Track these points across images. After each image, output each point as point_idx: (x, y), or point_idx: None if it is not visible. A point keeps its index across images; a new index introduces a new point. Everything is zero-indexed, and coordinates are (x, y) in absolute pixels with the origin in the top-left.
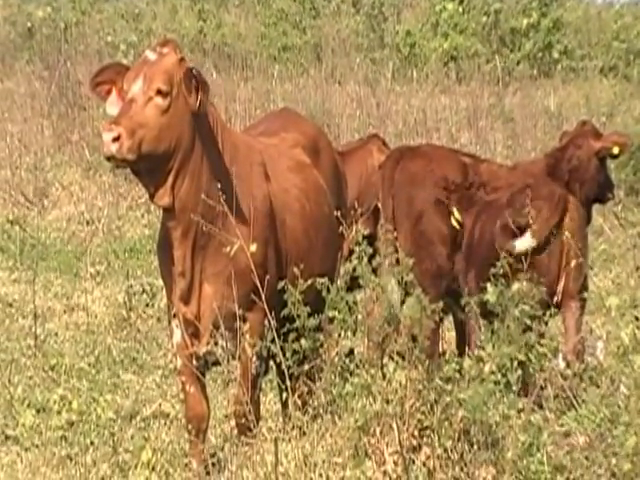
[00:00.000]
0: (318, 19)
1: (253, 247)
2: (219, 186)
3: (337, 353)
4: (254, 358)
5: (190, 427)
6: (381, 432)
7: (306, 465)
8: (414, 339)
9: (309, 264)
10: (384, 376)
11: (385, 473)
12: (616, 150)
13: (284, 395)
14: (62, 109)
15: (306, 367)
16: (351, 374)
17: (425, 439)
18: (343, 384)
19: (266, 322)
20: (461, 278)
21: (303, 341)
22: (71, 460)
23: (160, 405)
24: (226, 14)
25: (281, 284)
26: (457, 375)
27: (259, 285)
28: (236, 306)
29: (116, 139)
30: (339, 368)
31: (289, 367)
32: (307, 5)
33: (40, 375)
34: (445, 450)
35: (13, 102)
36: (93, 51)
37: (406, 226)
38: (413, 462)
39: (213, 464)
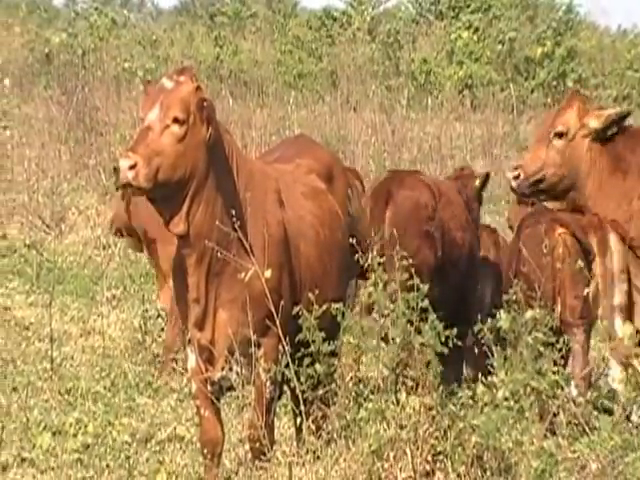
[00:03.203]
0: (334, 46)
1: (268, 273)
2: (233, 213)
3: (351, 378)
4: (268, 383)
5: (205, 451)
6: (395, 457)
7: None
8: (428, 365)
9: (323, 290)
10: (398, 402)
11: None
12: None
13: (298, 420)
14: (79, 134)
15: (320, 392)
16: (365, 399)
17: (438, 464)
18: (357, 409)
19: (280, 347)
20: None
21: (317, 366)
22: None
23: (175, 429)
24: (242, 41)
25: (296, 309)
26: (470, 401)
27: (273, 311)
28: (251, 332)
29: (132, 167)
30: (353, 393)
31: (303, 392)
32: (323, 32)
33: (56, 398)
34: (458, 475)
35: (31, 127)
36: (110, 77)
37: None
38: None
39: None
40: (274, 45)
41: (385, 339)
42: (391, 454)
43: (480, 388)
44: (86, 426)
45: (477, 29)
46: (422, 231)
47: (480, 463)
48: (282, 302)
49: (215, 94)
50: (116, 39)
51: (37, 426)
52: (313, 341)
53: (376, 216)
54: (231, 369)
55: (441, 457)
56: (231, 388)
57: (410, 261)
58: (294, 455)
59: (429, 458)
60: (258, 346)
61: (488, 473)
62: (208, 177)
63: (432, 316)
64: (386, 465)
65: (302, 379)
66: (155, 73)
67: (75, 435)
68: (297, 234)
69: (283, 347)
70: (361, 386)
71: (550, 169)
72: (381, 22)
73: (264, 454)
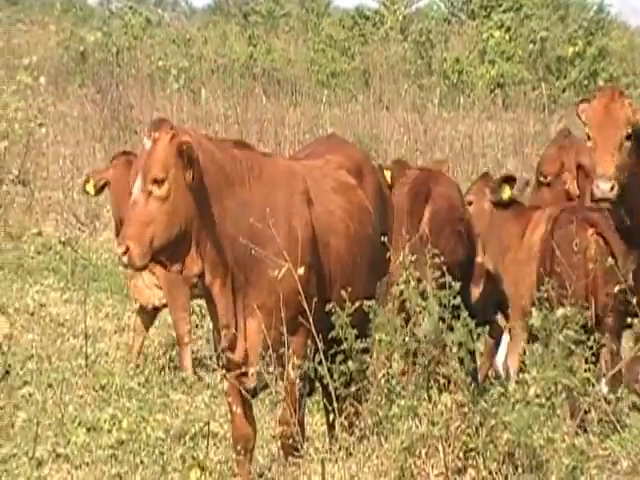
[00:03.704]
0: (367, 45)
1: (301, 270)
2: (249, 225)
3: (384, 375)
4: (297, 380)
5: (237, 447)
6: (427, 454)
7: None
8: (460, 362)
9: (354, 285)
10: (430, 398)
11: None
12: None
13: (331, 416)
14: (114, 132)
15: (353, 389)
16: (397, 396)
17: (470, 461)
18: (389, 406)
19: (309, 344)
20: None
21: (350, 363)
22: (121, 478)
23: (209, 425)
24: (276, 40)
25: (329, 306)
26: (502, 398)
27: (306, 307)
28: (284, 329)
29: (125, 252)
30: (385, 390)
31: (336, 388)
32: (356, 32)
33: (91, 394)
34: (490, 472)
35: (66, 125)
36: (144, 75)
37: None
38: None
39: None
40: (307, 44)
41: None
42: (423, 451)
43: (512, 385)
44: (120, 422)
45: (509, 28)
46: (457, 230)
47: (511, 460)
48: (311, 300)
49: (248, 93)
50: (150, 38)
51: (72, 422)
52: (345, 338)
53: (415, 213)
54: (264, 369)
55: (473, 454)
56: (265, 387)
57: (443, 259)
58: (326, 451)
59: (461, 455)
60: (287, 344)
61: (519, 470)
62: (210, 212)
63: (464, 313)
64: (418, 462)
65: (335, 376)
66: (189, 71)
67: (109, 431)
68: (327, 229)
69: (316, 344)
70: (393, 383)
71: (628, 172)
72: (413, 21)
73: (297, 450)
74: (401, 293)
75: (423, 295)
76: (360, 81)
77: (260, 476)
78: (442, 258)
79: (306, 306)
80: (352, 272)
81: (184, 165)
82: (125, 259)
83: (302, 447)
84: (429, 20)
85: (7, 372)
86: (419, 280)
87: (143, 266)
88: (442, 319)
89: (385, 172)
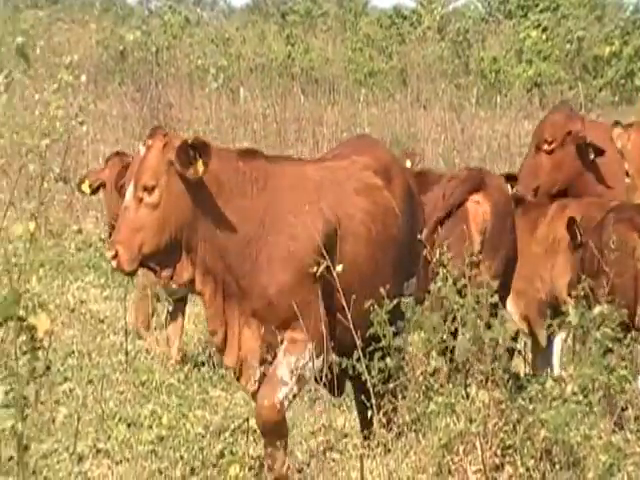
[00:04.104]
0: (404, 45)
1: (340, 267)
2: (245, 234)
3: (422, 372)
4: (285, 363)
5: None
6: (464, 451)
7: None
8: (497, 360)
9: (375, 287)
10: (467, 395)
11: None
12: None
13: (369, 413)
14: None
15: (391, 385)
16: (435, 393)
17: (508, 458)
18: (427, 403)
19: (310, 347)
20: None
21: (388, 360)
22: (161, 474)
23: (248, 421)
24: (314, 39)
25: (367, 304)
26: (539, 395)
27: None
28: (278, 335)
29: (115, 256)
30: (423, 387)
31: (374, 385)
32: (393, 31)
33: (131, 390)
34: (527, 469)
35: (105, 123)
36: (183, 74)
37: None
38: None
39: (300, 479)
40: (345, 43)
41: (455, 334)
42: (461, 448)
43: (549, 383)
44: (160, 418)
45: (546, 28)
46: (512, 224)
47: (549, 457)
48: (316, 306)
49: (287, 92)
50: (189, 37)
51: (112, 418)
52: (384, 335)
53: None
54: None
55: (510, 451)
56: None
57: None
58: (365, 448)
59: (498, 452)
60: (281, 343)
61: (557, 467)
62: (202, 217)
63: (502, 311)
64: (456, 458)
65: (373, 372)
66: (227, 71)
67: (150, 427)
68: (343, 235)
69: (356, 341)
70: (431, 380)
71: None
72: (451, 21)
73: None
74: (439, 290)
75: (461, 293)
76: (398, 80)
77: (299, 472)
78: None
79: (292, 313)
80: (373, 274)
81: (184, 165)
82: (114, 263)
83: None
84: (466, 20)
85: (48, 368)
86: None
87: (132, 271)
88: (480, 316)
89: (407, 161)
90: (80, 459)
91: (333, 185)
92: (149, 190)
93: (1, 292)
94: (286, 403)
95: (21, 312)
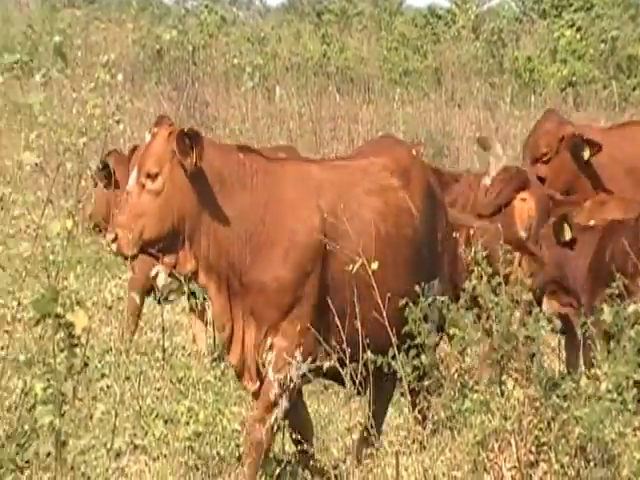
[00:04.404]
0: (439, 44)
1: (375, 265)
2: (246, 229)
3: (457, 370)
4: (276, 384)
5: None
6: (499, 448)
7: (426, 478)
8: (532, 357)
9: (387, 285)
10: (502, 393)
11: None
12: None
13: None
14: None
15: (426, 383)
16: (470, 390)
17: (542, 455)
18: (462, 400)
19: (295, 350)
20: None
21: (423, 357)
22: (197, 470)
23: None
24: (349, 38)
25: (402, 302)
26: (574, 393)
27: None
28: (276, 332)
29: (114, 239)
30: (458, 384)
31: (409, 383)
32: (428, 30)
33: (168, 387)
34: (562, 466)
35: (142, 122)
36: (220, 73)
37: None
38: (530, 477)
39: (335, 476)
40: (380, 42)
41: (489, 332)
42: (496, 445)
43: (584, 380)
44: (197, 414)
45: (580, 28)
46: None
47: (583, 454)
48: (317, 301)
49: (322, 90)
50: (225, 36)
51: (149, 414)
52: (419, 333)
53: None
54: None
55: (545, 448)
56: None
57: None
58: (400, 444)
59: (533, 449)
60: (271, 348)
61: (591, 464)
62: (204, 210)
63: (536, 309)
64: (491, 455)
65: (408, 370)
66: (263, 69)
67: (186, 423)
68: (347, 233)
69: (393, 337)
70: (466, 377)
71: None
72: (485, 20)
73: (372, 444)
74: (474, 288)
75: (495, 291)
76: (432, 79)
77: (334, 468)
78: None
79: (292, 308)
80: (383, 273)
81: (184, 152)
82: (114, 246)
83: (377, 440)
84: (500, 19)
85: (86, 365)
86: (491, 275)
87: (132, 255)
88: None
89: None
90: (117, 455)
91: (339, 184)
92: (152, 177)
93: (39, 290)
94: (276, 425)
95: (59, 309)
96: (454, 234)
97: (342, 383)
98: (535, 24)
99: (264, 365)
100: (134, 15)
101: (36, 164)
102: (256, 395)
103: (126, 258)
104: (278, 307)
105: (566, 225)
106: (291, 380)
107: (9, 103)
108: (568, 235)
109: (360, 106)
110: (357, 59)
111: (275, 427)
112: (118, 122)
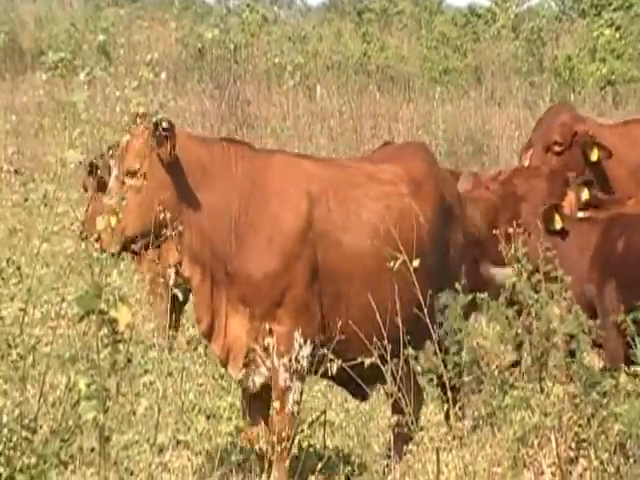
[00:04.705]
0: (478, 43)
1: (416, 262)
2: (230, 219)
3: (497, 366)
4: (282, 370)
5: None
6: (539, 444)
7: (466, 474)
8: (572, 354)
9: (381, 285)
10: (542, 390)
11: None
12: None
13: (445, 406)
14: (231, 127)
15: (466, 379)
16: (510, 387)
17: (582, 452)
18: (502, 397)
19: (295, 335)
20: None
21: (464, 354)
22: (239, 465)
23: (325, 413)
24: (390, 37)
25: (443, 298)
26: (613, 390)
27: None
28: (267, 321)
29: (97, 239)
30: (498, 381)
31: (450, 379)
32: (468, 29)
33: (210, 383)
34: (601, 463)
35: (184, 120)
36: (261, 71)
37: None
38: (570, 474)
39: (377, 472)
40: (420, 41)
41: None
42: (535, 441)
43: (623, 377)
44: (239, 410)
45: (619, 27)
46: None
47: (623, 451)
48: (304, 290)
49: (363, 89)
50: (267, 35)
51: (192, 410)
52: (459, 330)
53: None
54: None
55: (584, 444)
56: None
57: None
58: (441, 440)
59: (573, 445)
60: (270, 334)
61: (631, 460)
62: (186, 202)
63: (576, 306)
64: (530, 452)
65: (449, 366)
66: (304, 68)
67: (229, 419)
68: (338, 228)
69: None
70: (506, 374)
71: None
72: (525, 19)
73: (411, 439)
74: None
75: (535, 288)
76: (472, 78)
77: (375, 464)
78: None
79: (284, 295)
80: (377, 273)
81: (161, 142)
82: (97, 246)
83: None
84: (540, 18)
85: (129, 361)
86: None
87: (116, 252)
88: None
89: None
90: (160, 450)
91: (335, 182)
92: (132, 174)
93: (83, 286)
94: (296, 407)
95: (102, 306)
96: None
97: (342, 385)
98: (574, 23)
99: (265, 350)
100: (176, 14)
101: (80, 162)
102: (241, 383)
103: (113, 255)
104: (268, 295)
105: (556, 214)
106: (297, 361)
107: (53, 101)
108: (558, 224)
109: (400, 104)
110: (397, 58)
111: (295, 410)
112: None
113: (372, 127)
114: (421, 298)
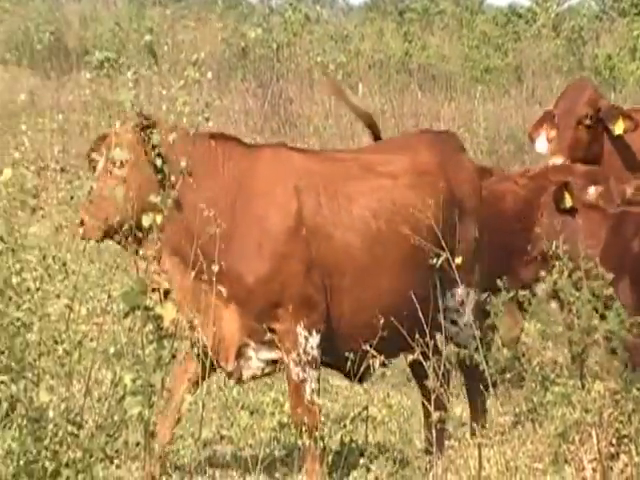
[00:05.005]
0: (519, 42)
1: (459, 260)
2: (217, 215)
3: (538, 363)
4: (292, 365)
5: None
6: (580, 440)
7: (508, 470)
8: (613, 351)
9: (374, 280)
10: (583, 386)
11: None
12: None
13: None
14: (274, 126)
15: (507, 376)
16: (551, 383)
17: (623, 447)
18: (544, 393)
19: (298, 330)
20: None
21: (505, 350)
22: (282, 461)
23: (367, 409)
24: (431, 36)
25: (484, 296)
26: None
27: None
28: (262, 318)
29: (81, 224)
30: (540, 377)
31: (492, 375)
32: (509, 29)
33: None
34: None
35: (228, 118)
36: (303, 70)
37: None
38: (611, 469)
39: (419, 467)
40: (461, 41)
41: (570, 326)
42: (576, 437)
43: None
44: (282, 405)
45: None
46: None
47: None
48: (295, 287)
49: (404, 88)
50: (309, 34)
51: (235, 405)
52: (495, 326)
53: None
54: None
55: (625, 440)
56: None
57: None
58: (483, 436)
59: (614, 441)
60: (272, 332)
61: None
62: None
63: (617, 303)
64: (572, 447)
65: (491, 363)
66: (346, 67)
67: (272, 414)
68: (329, 223)
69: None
70: (547, 370)
71: None
72: (565, 19)
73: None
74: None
75: (576, 285)
76: (513, 77)
77: (417, 459)
78: None
79: (277, 294)
80: (371, 267)
81: (145, 139)
82: (81, 231)
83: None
84: (581, 17)
85: (173, 356)
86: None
87: (98, 239)
88: (595, 309)
89: None
90: (205, 445)
91: (327, 176)
92: (118, 164)
93: (128, 282)
94: (315, 396)
95: (148, 302)
96: None
97: (342, 372)
98: (615, 22)
99: (264, 344)
100: (220, 14)
101: (126, 160)
102: (231, 375)
103: (98, 242)
104: (263, 298)
105: (567, 193)
106: (306, 354)
107: (98, 100)
108: (568, 203)
109: (442, 103)
110: (439, 57)
111: (314, 400)
112: (207, 119)
113: (414, 126)
114: (413, 293)
